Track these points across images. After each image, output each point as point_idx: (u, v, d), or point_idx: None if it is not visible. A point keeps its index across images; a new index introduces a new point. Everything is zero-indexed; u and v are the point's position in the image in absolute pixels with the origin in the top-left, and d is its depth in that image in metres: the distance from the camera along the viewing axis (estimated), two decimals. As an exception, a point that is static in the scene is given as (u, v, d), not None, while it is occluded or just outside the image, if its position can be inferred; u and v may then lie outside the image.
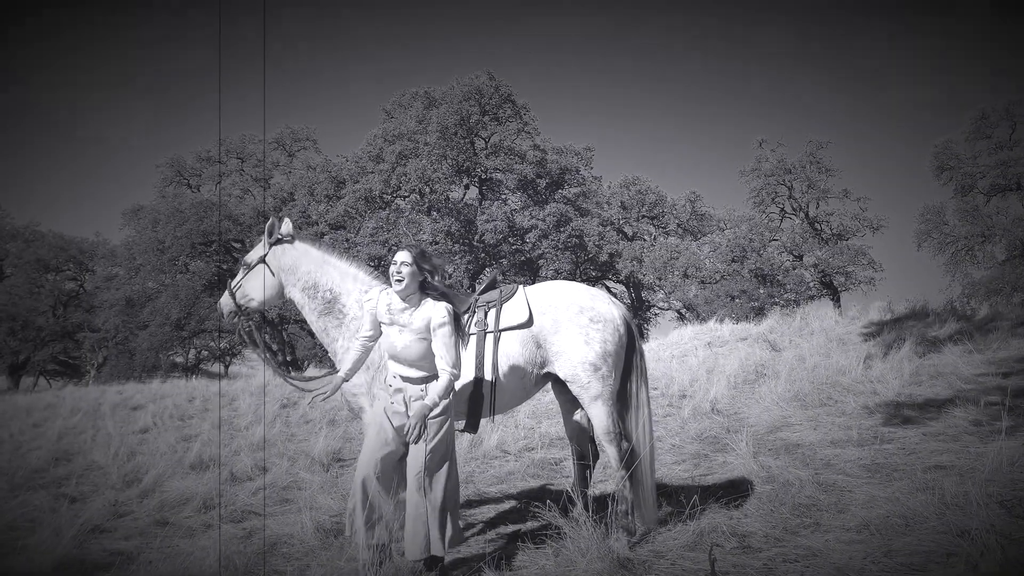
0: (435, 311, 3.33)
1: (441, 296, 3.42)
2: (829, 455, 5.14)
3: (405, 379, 3.42)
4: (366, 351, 3.62)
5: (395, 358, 3.44)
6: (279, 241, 4.28)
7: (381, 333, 3.54)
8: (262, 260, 4.23)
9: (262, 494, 5.52)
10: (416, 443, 3.29)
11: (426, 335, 3.35)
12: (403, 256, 3.36)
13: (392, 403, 3.47)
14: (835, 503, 4.03)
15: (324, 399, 3.55)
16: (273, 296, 4.24)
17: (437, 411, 3.34)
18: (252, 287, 4.23)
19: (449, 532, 3.36)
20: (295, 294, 4.19)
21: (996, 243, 20.46)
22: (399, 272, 3.34)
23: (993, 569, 2.83)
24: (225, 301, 4.25)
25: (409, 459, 3.38)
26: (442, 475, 3.37)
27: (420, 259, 3.38)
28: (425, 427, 3.27)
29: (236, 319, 4.26)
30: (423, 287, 3.41)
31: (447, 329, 3.31)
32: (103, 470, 6.91)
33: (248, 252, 4.42)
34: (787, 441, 5.77)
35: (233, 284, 4.24)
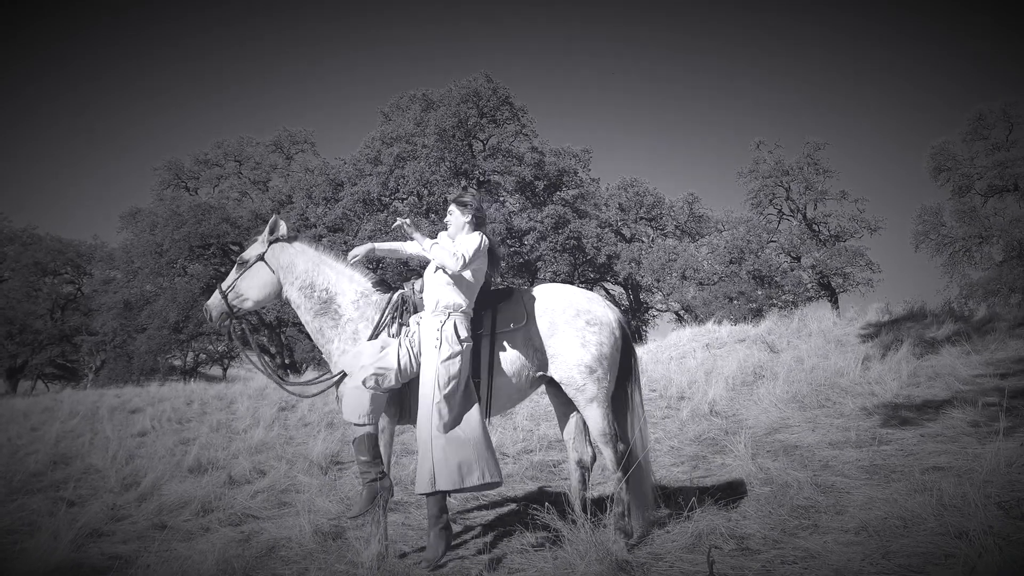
0: (478, 234, 3.81)
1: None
2: (827, 456, 5.14)
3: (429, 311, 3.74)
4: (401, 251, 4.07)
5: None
6: (276, 240, 4.26)
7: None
8: (261, 258, 4.19)
9: (260, 497, 5.51)
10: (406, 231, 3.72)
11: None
12: (452, 207, 3.90)
13: (412, 345, 3.69)
14: (833, 505, 4.03)
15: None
16: (270, 295, 4.18)
17: (450, 352, 3.56)
18: (248, 286, 4.16)
19: (483, 465, 3.50)
20: (292, 293, 4.15)
21: (994, 244, 20.48)
22: (448, 221, 3.91)
23: (991, 571, 2.83)
24: (215, 303, 4.15)
25: (422, 387, 3.56)
26: (456, 406, 3.55)
27: (467, 205, 3.88)
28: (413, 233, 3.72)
29: (227, 322, 4.18)
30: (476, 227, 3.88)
31: (478, 237, 3.73)
32: (101, 473, 6.90)
33: (243, 251, 4.36)
34: (785, 443, 5.77)
35: (225, 285, 4.16)
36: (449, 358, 3.55)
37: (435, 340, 3.58)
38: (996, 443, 4.28)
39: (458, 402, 3.56)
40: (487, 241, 3.75)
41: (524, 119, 26.80)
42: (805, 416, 6.58)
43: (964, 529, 3.16)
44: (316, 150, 30.33)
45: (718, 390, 8.17)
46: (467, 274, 3.71)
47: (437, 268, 3.71)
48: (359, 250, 4.05)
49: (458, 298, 3.68)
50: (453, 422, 3.51)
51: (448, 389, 3.51)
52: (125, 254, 26.16)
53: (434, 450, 3.44)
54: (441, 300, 3.68)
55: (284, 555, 4.09)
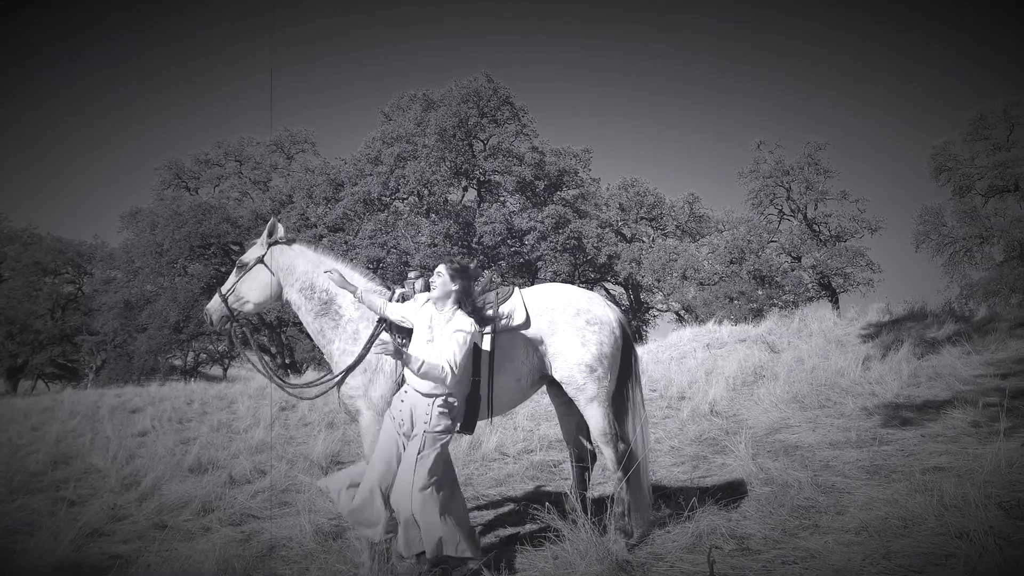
0: (461, 320, 3.45)
1: (472, 313, 3.53)
2: (828, 457, 5.14)
3: (417, 391, 3.44)
4: (382, 307, 3.75)
5: None
6: (275, 243, 4.29)
7: (397, 325, 3.72)
8: (260, 260, 4.23)
9: (261, 497, 5.52)
10: (390, 354, 3.27)
11: None
12: (442, 268, 3.56)
13: (401, 424, 3.48)
14: (834, 505, 4.03)
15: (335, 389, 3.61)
16: (271, 297, 4.22)
17: (439, 429, 3.40)
18: (248, 288, 4.19)
19: (463, 541, 3.35)
20: (292, 295, 4.19)
21: (994, 244, 20.44)
22: (433, 282, 3.53)
23: (992, 571, 2.83)
24: (215, 307, 4.17)
25: (401, 469, 3.40)
26: (437, 487, 3.35)
27: (459, 274, 3.54)
28: (400, 355, 3.28)
29: (227, 324, 4.20)
30: (459, 302, 3.54)
31: (463, 336, 3.38)
32: (102, 473, 6.90)
33: (242, 254, 4.39)
34: (786, 443, 5.77)
35: (224, 288, 4.18)
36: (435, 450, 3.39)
37: (419, 443, 3.39)
38: (997, 443, 4.28)
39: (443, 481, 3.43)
40: (474, 330, 3.44)
41: (525, 119, 26.80)
42: (806, 416, 6.58)
43: (965, 529, 3.16)
44: (317, 150, 30.38)
45: (718, 390, 8.17)
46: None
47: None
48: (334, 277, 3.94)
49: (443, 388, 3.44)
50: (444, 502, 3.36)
51: (431, 481, 3.35)
52: (126, 254, 26.16)
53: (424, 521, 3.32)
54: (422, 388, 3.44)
55: (285, 555, 4.10)
